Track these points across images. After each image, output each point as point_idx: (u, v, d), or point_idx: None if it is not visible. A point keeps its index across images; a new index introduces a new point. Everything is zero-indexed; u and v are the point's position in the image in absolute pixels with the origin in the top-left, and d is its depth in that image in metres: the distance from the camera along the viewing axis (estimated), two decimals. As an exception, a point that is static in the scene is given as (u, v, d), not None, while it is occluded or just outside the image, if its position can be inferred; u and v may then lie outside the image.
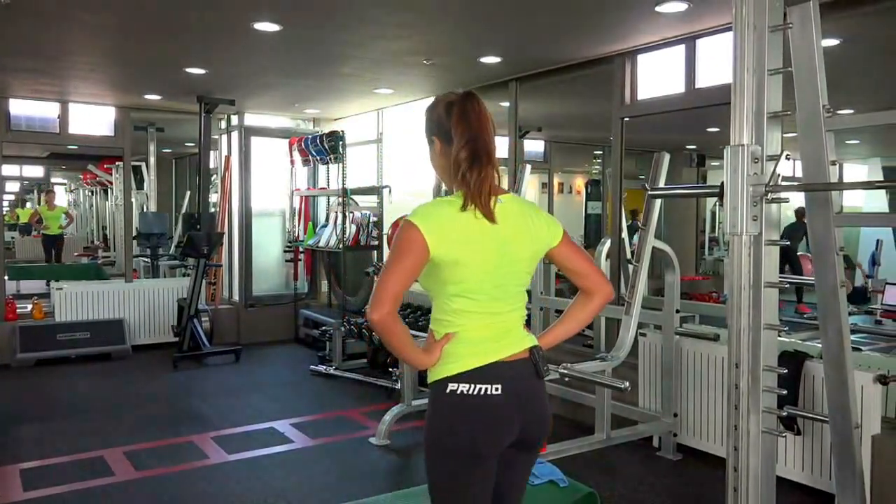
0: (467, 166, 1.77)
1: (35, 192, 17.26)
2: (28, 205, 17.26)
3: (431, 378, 1.83)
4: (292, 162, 7.96)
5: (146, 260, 9.02)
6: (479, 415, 1.77)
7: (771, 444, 2.56)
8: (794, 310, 7.74)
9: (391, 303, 1.71)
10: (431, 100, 1.93)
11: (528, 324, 1.97)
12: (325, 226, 7.71)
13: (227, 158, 8.02)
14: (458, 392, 1.77)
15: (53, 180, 16.03)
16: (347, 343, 6.43)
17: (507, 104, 5.85)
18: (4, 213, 7.77)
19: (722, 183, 2.49)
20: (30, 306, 7.06)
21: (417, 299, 6.25)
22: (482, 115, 1.83)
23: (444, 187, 1.96)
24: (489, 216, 1.77)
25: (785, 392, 2.58)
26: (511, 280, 1.84)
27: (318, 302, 8.27)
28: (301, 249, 7.96)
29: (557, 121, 8.07)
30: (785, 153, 2.42)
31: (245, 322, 7.76)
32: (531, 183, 8.34)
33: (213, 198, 8.40)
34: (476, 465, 1.80)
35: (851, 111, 3.30)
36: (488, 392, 1.76)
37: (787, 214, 8.28)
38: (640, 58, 4.81)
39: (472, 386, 1.77)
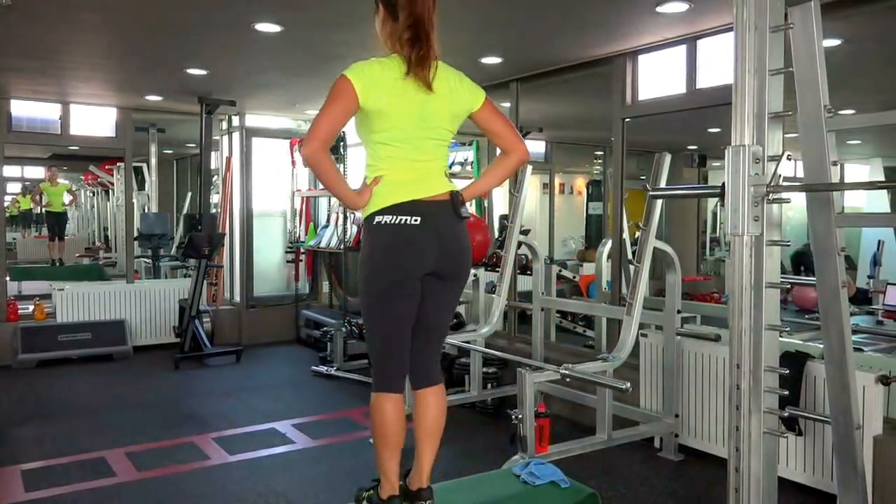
0: (410, 45, 2.03)
1: (37, 188, 17.23)
2: (29, 196, 17.22)
3: (363, 216, 2.13)
4: (293, 163, 7.97)
5: (147, 261, 9.03)
6: (400, 239, 2.07)
7: (772, 444, 2.56)
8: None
9: (321, 139, 1.99)
10: None
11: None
12: (326, 226, 7.71)
13: (228, 159, 8.03)
14: (384, 223, 2.07)
15: (54, 167, 15.98)
16: (348, 344, 6.43)
17: (508, 105, 5.85)
18: (6, 204, 7.75)
19: (723, 183, 2.49)
20: (31, 307, 7.06)
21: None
22: None
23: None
24: (427, 85, 2.04)
25: (786, 393, 2.57)
26: (432, 133, 2.12)
27: (319, 303, 8.27)
28: (302, 250, 7.96)
29: (558, 121, 8.07)
30: (786, 153, 2.42)
31: (246, 323, 7.76)
32: (532, 183, 8.35)
33: (215, 198, 8.42)
34: (399, 285, 2.10)
35: (853, 111, 3.31)
36: (408, 221, 2.06)
37: (789, 215, 8.28)
38: (641, 58, 4.81)
39: (395, 217, 2.06)
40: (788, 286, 2.57)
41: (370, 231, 2.11)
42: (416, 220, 2.06)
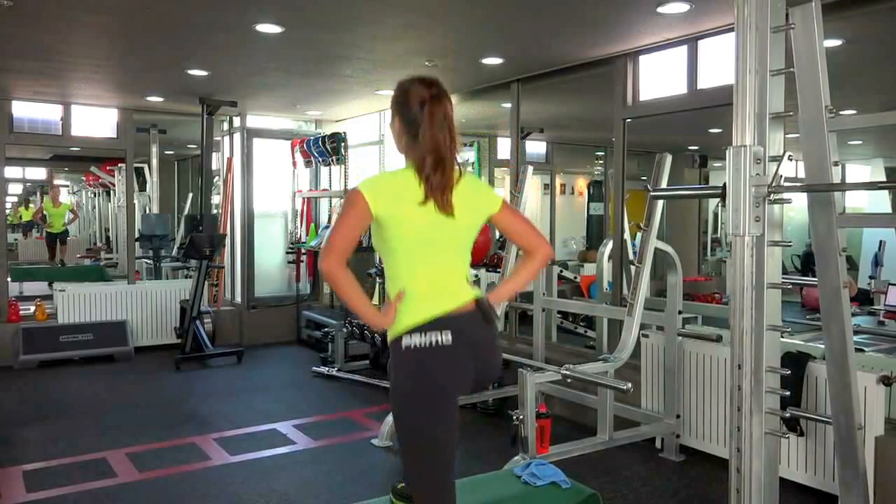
0: (431, 170, 1.98)
1: (38, 193, 17.26)
2: (31, 206, 17.26)
3: (389, 337, 2.03)
4: (294, 163, 7.98)
5: (148, 262, 9.02)
6: (435, 361, 1.95)
7: (774, 445, 2.56)
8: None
9: (337, 253, 1.94)
10: (407, 77, 2.08)
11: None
12: (327, 227, 7.71)
13: (230, 160, 8.03)
14: (413, 346, 1.95)
15: (56, 182, 16.02)
16: (349, 344, 6.44)
17: (508, 105, 5.85)
18: (7, 212, 7.76)
19: (724, 184, 2.49)
20: (32, 308, 7.05)
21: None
22: (448, 117, 2.03)
23: None
24: (448, 210, 1.99)
25: (788, 393, 2.57)
26: (452, 239, 2.05)
27: (320, 303, 8.27)
28: (303, 251, 7.96)
29: (559, 122, 8.07)
30: (787, 154, 2.42)
31: (247, 323, 7.76)
32: (533, 184, 8.34)
33: (216, 199, 8.41)
34: (437, 409, 1.98)
35: (854, 112, 3.30)
36: (439, 341, 1.95)
37: (790, 216, 8.26)
38: (642, 59, 4.81)
39: (423, 335, 1.95)
40: (790, 286, 2.56)
41: (400, 356, 1.98)
42: (447, 339, 1.95)
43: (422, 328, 1.95)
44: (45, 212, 11.81)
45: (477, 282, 5.32)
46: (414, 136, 2.01)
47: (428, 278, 2.01)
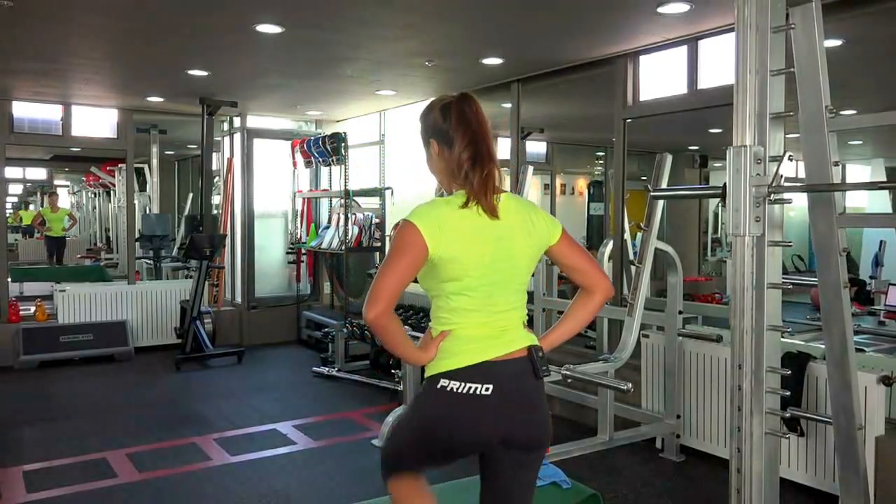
0: (470, 166, 1.79)
1: (38, 194, 17.26)
2: (31, 207, 17.26)
3: (427, 374, 1.85)
4: (294, 164, 7.97)
5: (149, 262, 9.02)
6: (464, 413, 1.78)
7: (774, 445, 2.56)
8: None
9: (387, 301, 1.70)
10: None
11: (529, 324, 1.97)
12: (327, 227, 7.71)
13: (230, 160, 8.03)
14: (449, 389, 1.77)
15: (56, 182, 16.03)
16: (350, 345, 6.44)
17: (508, 105, 5.85)
18: (7, 215, 7.77)
19: (724, 184, 2.49)
20: (33, 308, 7.05)
21: (419, 301, 6.25)
22: (479, 114, 1.85)
23: (443, 189, 1.97)
24: (492, 211, 1.78)
25: (788, 393, 2.58)
26: (510, 277, 1.84)
27: (320, 303, 8.27)
28: (303, 251, 7.96)
29: (560, 122, 8.06)
30: (787, 154, 2.42)
31: (247, 324, 7.76)
32: (533, 184, 8.34)
33: (216, 200, 8.41)
34: (443, 456, 1.87)
35: (854, 112, 3.30)
36: (478, 392, 1.76)
37: (790, 216, 8.26)
38: (643, 59, 4.81)
39: (463, 384, 1.77)
40: (790, 286, 2.55)
41: (431, 392, 1.81)
42: (487, 390, 1.76)
43: (463, 373, 1.77)
44: (43, 217, 11.86)
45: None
46: (451, 145, 1.83)
47: (481, 321, 1.81)
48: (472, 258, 1.77)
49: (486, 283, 1.80)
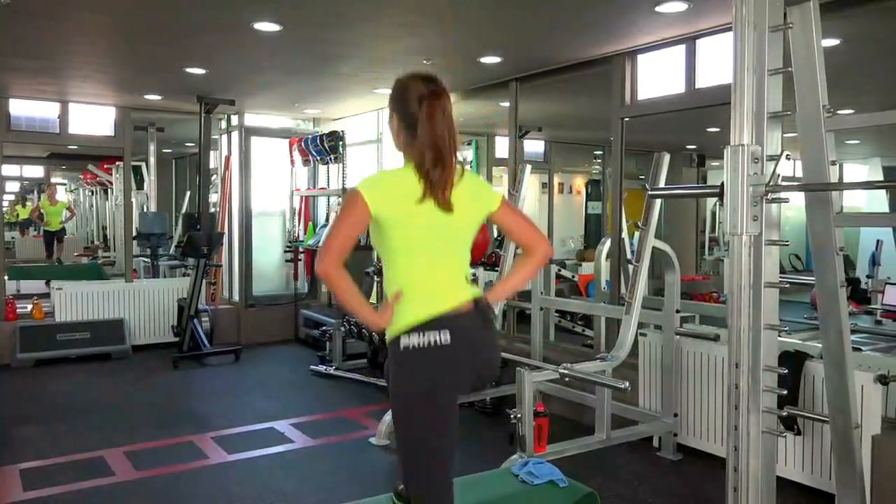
0: (431, 165, 1.95)
1: (35, 191, 17.24)
2: (28, 204, 17.24)
3: (387, 337, 2.00)
4: (292, 162, 7.97)
5: (146, 260, 9.01)
6: (433, 362, 1.93)
7: (771, 444, 2.56)
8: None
9: (334, 256, 1.92)
10: (405, 74, 2.06)
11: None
12: (325, 226, 7.71)
13: (228, 158, 8.02)
14: (411, 346, 1.92)
15: (53, 180, 16.01)
16: (347, 343, 6.43)
17: (507, 104, 5.85)
18: (4, 210, 7.76)
19: (722, 183, 2.49)
20: (30, 306, 7.04)
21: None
22: (447, 114, 1.99)
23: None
24: (447, 207, 1.96)
25: (785, 392, 2.57)
26: (452, 236, 2.02)
27: (318, 302, 8.26)
28: (301, 249, 7.96)
29: (558, 121, 8.07)
30: (785, 153, 2.42)
31: (245, 322, 7.76)
32: (531, 183, 8.34)
33: (214, 198, 8.41)
34: (438, 410, 1.96)
35: (851, 111, 3.30)
36: (438, 341, 1.92)
37: (787, 215, 8.27)
38: (641, 58, 4.81)
39: (422, 336, 1.92)
40: (788, 285, 2.56)
41: (398, 356, 1.95)
42: (446, 339, 1.92)
43: (420, 328, 1.92)
44: (41, 210, 11.83)
45: (475, 280, 5.30)
46: (413, 133, 1.98)
47: (426, 278, 1.99)
48: (412, 220, 1.95)
49: (429, 243, 1.99)
